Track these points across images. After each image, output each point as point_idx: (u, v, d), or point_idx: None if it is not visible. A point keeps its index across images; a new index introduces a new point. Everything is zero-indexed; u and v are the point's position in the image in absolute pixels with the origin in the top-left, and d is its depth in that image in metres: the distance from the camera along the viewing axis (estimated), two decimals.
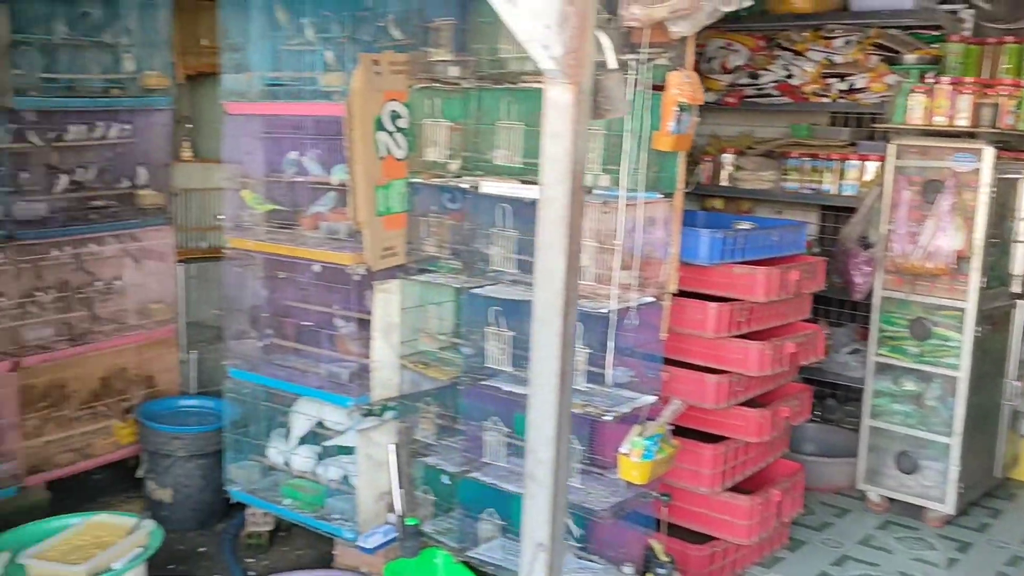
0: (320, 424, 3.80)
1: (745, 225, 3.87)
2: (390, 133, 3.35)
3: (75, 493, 4.24)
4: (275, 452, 3.83)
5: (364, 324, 3.58)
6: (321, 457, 3.79)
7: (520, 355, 3.22)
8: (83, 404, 4.38)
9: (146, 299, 4.53)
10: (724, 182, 5.34)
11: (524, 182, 3.13)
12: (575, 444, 3.14)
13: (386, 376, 3.51)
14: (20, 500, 3.96)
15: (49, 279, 4.18)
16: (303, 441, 3.83)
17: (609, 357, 2.98)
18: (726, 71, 5.58)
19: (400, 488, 3.19)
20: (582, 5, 1.81)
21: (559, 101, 1.88)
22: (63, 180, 4.18)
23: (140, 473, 4.23)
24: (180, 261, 4.67)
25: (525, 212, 3.13)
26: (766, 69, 5.43)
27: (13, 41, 3.83)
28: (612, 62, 2.25)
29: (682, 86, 2.95)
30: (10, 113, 3.86)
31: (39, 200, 4.06)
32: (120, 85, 4.30)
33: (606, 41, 2.24)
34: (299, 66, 3.66)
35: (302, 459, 3.76)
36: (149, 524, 3.27)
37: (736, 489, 3.70)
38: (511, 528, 3.41)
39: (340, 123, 3.29)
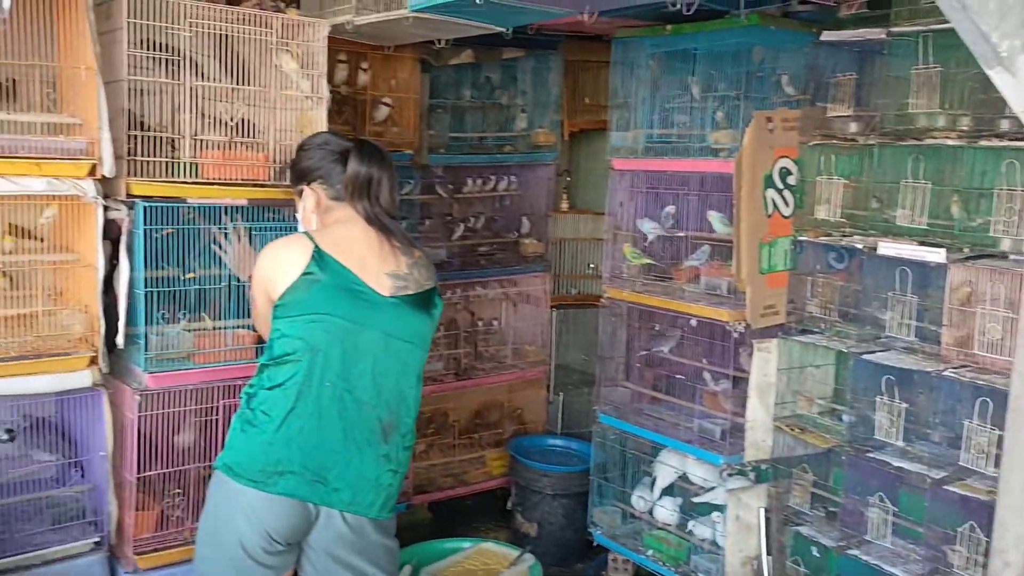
0: (684, 477, 3.81)
1: None
2: (779, 190, 3.31)
3: (451, 516, 4.59)
4: (639, 500, 3.88)
5: (738, 382, 3.54)
6: (683, 510, 3.78)
7: (912, 429, 3.01)
8: (462, 434, 4.74)
9: (521, 341, 4.83)
10: None
11: (925, 244, 2.93)
12: None
13: (759, 437, 3.44)
14: (407, 516, 4.35)
15: (441, 318, 4.58)
16: (666, 492, 3.85)
17: None
18: None
19: (768, 555, 3.10)
20: None
21: None
22: (460, 229, 4.58)
23: (509, 505, 4.48)
24: (552, 307, 4.92)
25: (925, 276, 2.94)
26: None
27: (430, 105, 4.30)
28: None
29: None
30: (422, 168, 4.33)
31: (439, 246, 4.48)
32: (512, 142, 4.66)
33: None
34: (684, 123, 3.73)
35: (665, 511, 3.77)
36: (530, 558, 3.45)
37: None
38: None
39: (724, 179, 3.31)
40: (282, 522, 2.26)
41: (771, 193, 3.31)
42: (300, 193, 2.55)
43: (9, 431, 1.78)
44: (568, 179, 5.21)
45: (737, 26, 3.33)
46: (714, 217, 3.61)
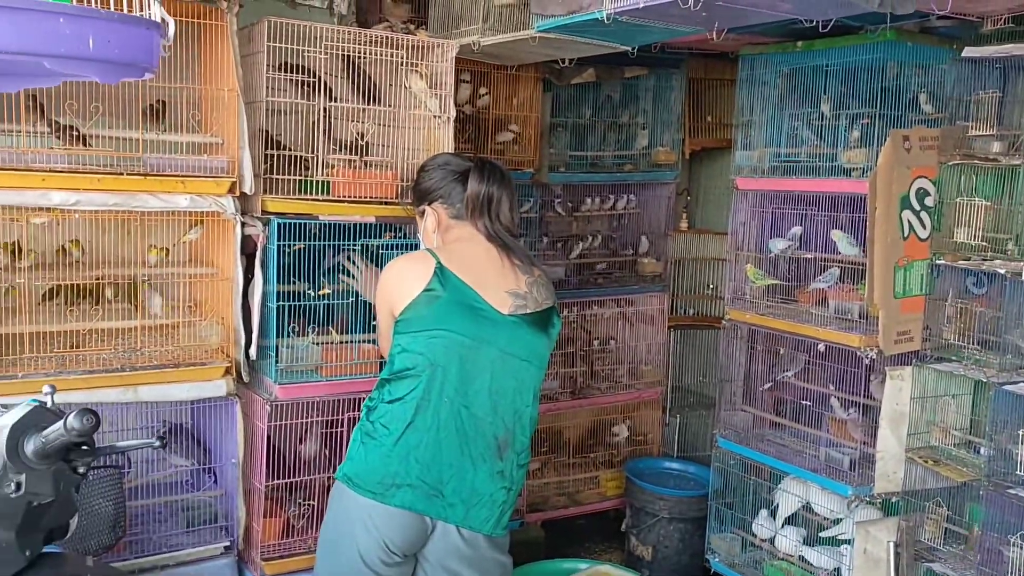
0: (807, 506, 3.69)
1: None
2: (915, 212, 3.19)
3: (564, 536, 4.56)
4: (761, 528, 3.78)
5: (867, 410, 3.42)
6: (807, 540, 3.66)
7: None
8: (576, 453, 4.72)
9: (637, 361, 4.78)
10: None
11: None
12: None
13: (890, 468, 3.30)
14: (521, 534, 4.35)
15: (558, 336, 4.58)
16: (788, 521, 3.74)
17: None
18: None
19: None
20: None
21: None
22: (578, 247, 4.58)
23: (624, 527, 4.42)
24: (670, 327, 4.85)
25: None
26: None
27: (551, 124, 4.32)
28: None
29: None
30: (543, 187, 4.34)
31: (557, 264, 4.48)
32: (633, 160, 4.63)
33: None
34: (813, 142, 3.64)
35: (788, 541, 3.66)
36: None
37: None
38: None
39: (854, 200, 3.20)
40: (399, 534, 2.28)
41: (907, 215, 3.19)
42: (422, 213, 2.59)
43: (162, 438, 1.86)
44: (688, 198, 5.15)
45: (872, 42, 3.23)
46: (839, 237, 3.51)
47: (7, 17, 1.21)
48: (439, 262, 2.34)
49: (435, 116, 3.16)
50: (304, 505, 3.09)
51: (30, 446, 1.65)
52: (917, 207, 3.21)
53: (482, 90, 4.10)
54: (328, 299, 3.06)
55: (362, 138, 3.09)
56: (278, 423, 3.00)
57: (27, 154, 2.59)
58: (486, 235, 2.46)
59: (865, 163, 3.26)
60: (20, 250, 2.72)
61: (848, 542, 3.41)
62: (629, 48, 3.43)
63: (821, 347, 3.48)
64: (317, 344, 3.05)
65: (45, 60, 1.24)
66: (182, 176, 2.77)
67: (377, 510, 2.27)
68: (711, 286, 4.96)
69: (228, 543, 2.99)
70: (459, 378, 2.29)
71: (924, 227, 3.23)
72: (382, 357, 2.72)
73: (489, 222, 2.46)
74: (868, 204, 3.16)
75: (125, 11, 1.39)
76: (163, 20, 1.46)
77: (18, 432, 1.65)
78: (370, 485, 2.28)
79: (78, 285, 2.82)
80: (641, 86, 4.68)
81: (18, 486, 1.65)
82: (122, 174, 2.68)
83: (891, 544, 3.25)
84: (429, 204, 2.54)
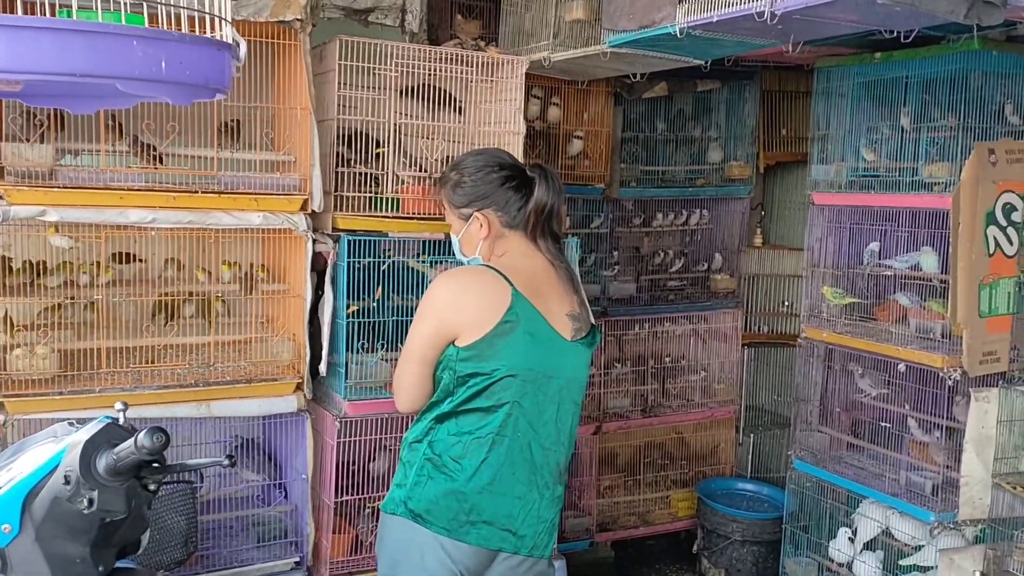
0: (887, 532, 3.56)
1: None
2: (1002, 228, 3.06)
3: (634, 556, 4.49)
4: (838, 553, 3.66)
5: (951, 432, 3.29)
6: (887, 567, 3.53)
7: None
8: (646, 472, 4.64)
9: (710, 378, 4.68)
10: None
11: None
12: None
13: (976, 494, 3.17)
14: (590, 554, 4.30)
15: (628, 353, 4.53)
16: (867, 547, 3.61)
17: None
18: None
19: None
20: None
21: None
22: (650, 263, 4.52)
23: (695, 549, 4.34)
24: (743, 344, 4.75)
25: None
26: None
27: (622, 138, 4.27)
28: None
29: None
30: (613, 202, 4.30)
31: (628, 281, 4.43)
32: (705, 175, 4.56)
33: None
34: (892, 156, 3.53)
35: (868, 567, 3.54)
36: None
37: None
38: None
39: (936, 215, 3.09)
40: (473, 561, 2.23)
41: (993, 231, 3.06)
42: (466, 216, 2.30)
43: (230, 456, 1.87)
44: (763, 213, 5.04)
45: (955, 52, 3.13)
46: (925, 253, 3.39)
47: (81, 40, 1.23)
48: (514, 288, 2.15)
49: (505, 132, 3.14)
50: (374, 522, 3.09)
51: (102, 463, 1.67)
52: (1004, 223, 3.08)
53: (555, 99, 4.07)
54: (396, 315, 3.06)
55: (432, 155, 3.09)
56: (347, 439, 3.01)
57: (106, 172, 2.65)
58: (545, 252, 2.28)
59: (948, 177, 3.15)
60: (99, 266, 2.79)
61: (930, 569, 3.28)
62: (702, 62, 3.38)
63: (902, 367, 3.36)
64: (386, 361, 3.05)
65: (118, 82, 1.26)
66: (255, 194, 2.80)
67: (453, 546, 2.16)
68: (786, 303, 4.85)
69: (298, 559, 3.00)
70: (532, 412, 2.18)
71: (1011, 243, 3.10)
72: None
73: (546, 237, 2.28)
74: (951, 220, 3.05)
75: (198, 33, 1.40)
76: (235, 41, 1.47)
77: (91, 449, 1.68)
78: (442, 522, 2.16)
79: (171, 300, 2.87)
80: (714, 99, 4.61)
81: (91, 502, 1.67)
82: (197, 192, 2.73)
83: (977, 574, 3.11)
84: (479, 210, 2.27)
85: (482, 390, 2.15)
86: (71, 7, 1.31)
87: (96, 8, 1.26)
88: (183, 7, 1.39)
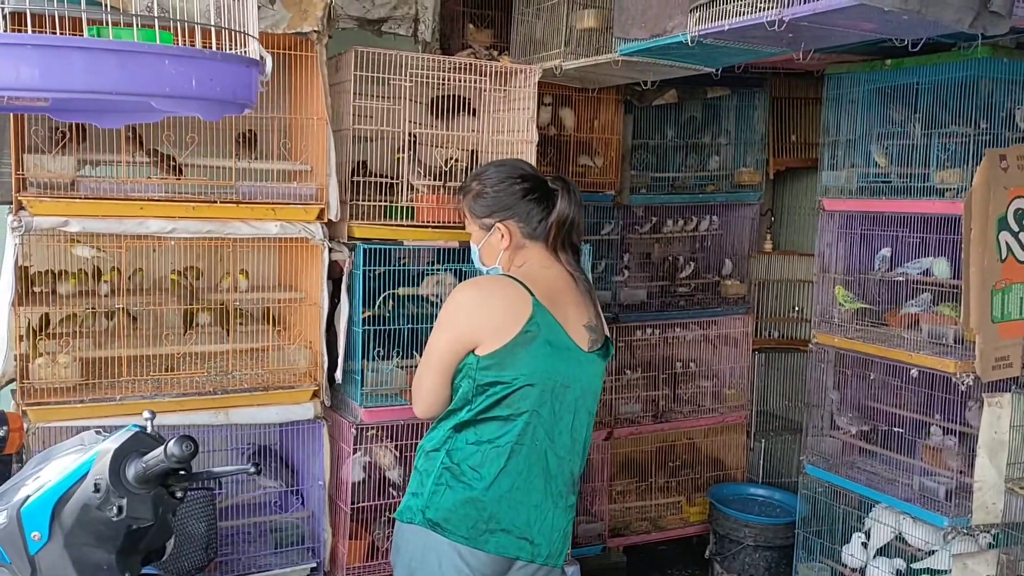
0: (900, 537, 3.57)
1: None
2: (1014, 233, 3.08)
3: (646, 561, 4.50)
4: (851, 558, 3.67)
5: (963, 438, 3.30)
6: (900, 572, 3.54)
7: None
8: (658, 478, 4.66)
9: (721, 384, 4.70)
10: None
11: None
12: None
13: (989, 499, 3.18)
14: (602, 559, 4.31)
15: (639, 359, 4.55)
16: (880, 552, 3.62)
17: None
18: None
19: None
20: None
21: None
22: (660, 269, 4.54)
23: (707, 554, 4.35)
24: (754, 350, 4.76)
25: None
26: None
27: (632, 145, 4.30)
28: None
29: None
30: (624, 209, 4.33)
31: (639, 287, 4.45)
32: (715, 181, 4.58)
33: None
34: (903, 161, 3.55)
35: (881, 572, 3.54)
36: None
37: None
38: None
39: (947, 221, 3.11)
40: (490, 572, 2.23)
41: (1005, 236, 3.08)
42: (486, 227, 2.31)
43: (256, 464, 1.89)
44: (772, 219, 5.06)
45: (965, 59, 3.14)
46: (936, 261, 3.41)
47: (116, 60, 1.26)
48: (535, 298, 2.15)
49: (519, 141, 3.17)
50: (390, 529, 3.11)
51: (131, 471, 1.70)
52: (1016, 228, 3.09)
53: (567, 106, 4.10)
54: (411, 323, 3.09)
55: (446, 164, 3.12)
56: (364, 446, 3.03)
57: (127, 183, 2.69)
58: (565, 263, 2.29)
59: (959, 183, 3.17)
60: (120, 274, 2.82)
61: (944, 574, 3.29)
62: (712, 69, 3.40)
63: (914, 372, 3.37)
64: (401, 368, 3.08)
65: (152, 100, 1.29)
66: (272, 203, 2.84)
67: (471, 554, 2.17)
68: (796, 308, 4.87)
69: (315, 564, 3.03)
70: (549, 421, 2.20)
71: (1023, 249, 3.12)
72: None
73: (566, 248, 2.30)
74: (963, 225, 3.06)
75: (226, 50, 1.43)
76: (261, 58, 1.50)
77: (120, 457, 1.70)
78: (462, 530, 2.16)
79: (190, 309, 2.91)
80: (723, 106, 4.63)
81: (120, 510, 1.70)
82: (215, 202, 2.76)
83: None
84: (501, 221, 2.27)
85: (502, 399, 2.16)
86: (103, 23, 1.35)
87: (135, 26, 1.29)
88: (212, 24, 1.43)
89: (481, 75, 3.13)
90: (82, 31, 1.32)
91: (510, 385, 2.15)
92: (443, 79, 3.08)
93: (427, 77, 3.05)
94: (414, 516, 2.21)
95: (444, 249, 3.14)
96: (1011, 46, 3.17)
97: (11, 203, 2.61)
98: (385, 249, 3.01)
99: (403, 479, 3.14)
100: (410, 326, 3.09)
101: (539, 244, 2.29)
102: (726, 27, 2.64)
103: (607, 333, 2.35)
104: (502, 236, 2.27)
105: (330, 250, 2.94)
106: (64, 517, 1.74)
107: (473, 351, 2.16)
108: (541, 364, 2.15)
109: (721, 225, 4.71)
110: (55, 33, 1.28)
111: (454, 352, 2.18)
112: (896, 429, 3.59)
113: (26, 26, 1.26)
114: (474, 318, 2.16)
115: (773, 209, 5.13)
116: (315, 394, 2.97)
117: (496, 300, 2.17)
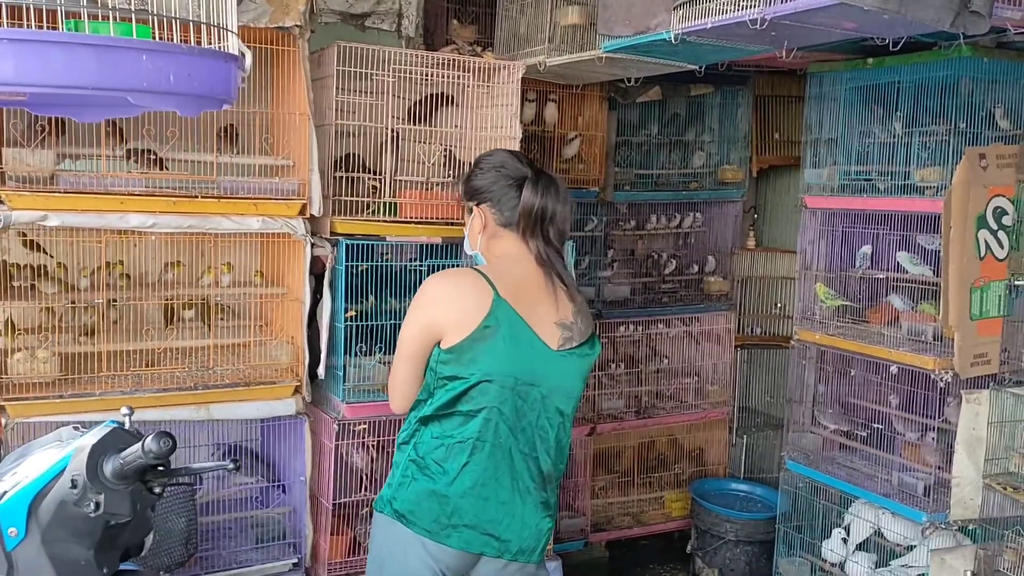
0: (879, 532, 3.60)
1: None
2: (992, 231, 3.10)
3: (628, 556, 4.52)
4: (831, 553, 3.70)
5: (943, 434, 3.33)
6: (879, 567, 3.57)
7: None
8: (640, 473, 4.68)
9: (703, 380, 4.72)
10: None
11: None
12: None
13: (967, 495, 3.21)
14: (584, 554, 4.33)
15: (622, 355, 4.56)
16: (860, 547, 3.65)
17: None
18: None
19: None
20: None
21: None
22: (643, 265, 4.55)
23: (689, 549, 4.37)
24: (736, 346, 4.78)
25: None
26: None
27: (616, 142, 4.31)
28: None
29: None
30: (608, 205, 4.33)
31: (622, 283, 4.46)
32: (699, 179, 4.59)
33: None
34: (884, 160, 3.57)
35: (860, 567, 3.57)
36: None
37: None
38: None
39: (927, 219, 3.13)
40: (455, 565, 2.24)
41: (984, 234, 3.10)
42: (470, 210, 2.36)
43: (235, 461, 1.89)
44: (755, 216, 5.08)
45: (946, 58, 3.17)
46: (904, 258, 3.44)
47: (93, 55, 1.25)
48: (496, 293, 2.16)
49: (502, 136, 3.17)
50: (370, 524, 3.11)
51: (109, 467, 1.69)
52: (994, 226, 3.12)
53: (552, 95, 4.09)
54: (395, 319, 3.08)
55: (429, 160, 3.12)
56: (346, 441, 3.03)
57: (107, 178, 2.67)
58: (536, 256, 2.27)
59: (939, 181, 3.19)
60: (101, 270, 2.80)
61: (922, 569, 3.32)
62: (696, 67, 3.41)
63: (894, 369, 3.40)
64: (384, 363, 3.07)
65: (129, 96, 1.28)
66: (254, 198, 2.83)
67: (435, 548, 2.20)
68: (778, 305, 4.89)
69: (296, 560, 3.02)
70: (512, 417, 2.20)
71: (1002, 247, 3.14)
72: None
73: (541, 242, 2.27)
74: (943, 223, 3.09)
75: (204, 45, 1.43)
76: (241, 53, 1.50)
77: (98, 453, 1.70)
78: (425, 523, 2.20)
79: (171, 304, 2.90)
80: (707, 104, 4.64)
81: (97, 505, 1.70)
82: (196, 197, 2.75)
83: (968, 573, 3.15)
84: (478, 205, 2.31)
85: (461, 394, 2.17)
86: (79, 17, 1.34)
87: (111, 20, 1.29)
88: (190, 19, 1.42)
89: (465, 71, 3.13)
90: (59, 24, 1.31)
91: (467, 380, 2.16)
92: (426, 75, 3.08)
93: (410, 73, 3.05)
94: (384, 507, 2.26)
95: (427, 245, 3.14)
96: (991, 46, 3.19)
97: None
98: (368, 245, 3.01)
99: (382, 475, 3.14)
100: (392, 322, 3.08)
101: (514, 235, 2.29)
102: (709, 25, 2.64)
103: (592, 332, 2.33)
104: (478, 220, 2.31)
105: (312, 245, 2.93)
106: (41, 513, 1.73)
107: (439, 344, 2.18)
108: (500, 360, 2.15)
109: (704, 222, 4.73)
110: (31, 27, 1.27)
111: (421, 342, 2.20)
112: (875, 425, 3.62)
113: (2, 18, 1.25)
114: (438, 308, 2.18)
115: (756, 206, 5.15)
116: (297, 390, 2.96)
117: (458, 292, 2.18)
